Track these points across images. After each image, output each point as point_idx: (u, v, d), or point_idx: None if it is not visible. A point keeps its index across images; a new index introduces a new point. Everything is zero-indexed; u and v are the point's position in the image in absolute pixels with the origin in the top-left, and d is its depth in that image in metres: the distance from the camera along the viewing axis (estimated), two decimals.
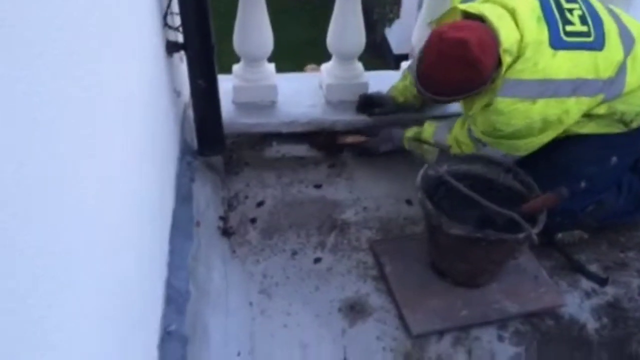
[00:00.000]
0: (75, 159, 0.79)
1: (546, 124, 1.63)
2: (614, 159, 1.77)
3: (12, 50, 0.57)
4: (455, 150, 1.84)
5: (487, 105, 1.64)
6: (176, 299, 1.40)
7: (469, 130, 1.78)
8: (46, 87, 0.66)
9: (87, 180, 0.84)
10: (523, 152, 1.73)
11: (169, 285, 1.41)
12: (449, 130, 1.87)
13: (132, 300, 1.09)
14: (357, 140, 2.12)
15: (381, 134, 2.07)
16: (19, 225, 0.59)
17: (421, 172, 1.68)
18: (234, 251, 1.83)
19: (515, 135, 1.67)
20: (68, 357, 0.73)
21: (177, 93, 1.79)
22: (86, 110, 0.85)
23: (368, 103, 2.14)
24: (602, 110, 1.67)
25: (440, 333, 1.63)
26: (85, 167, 0.84)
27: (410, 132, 1.99)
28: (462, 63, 1.54)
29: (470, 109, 1.70)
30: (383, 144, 2.06)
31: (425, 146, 1.92)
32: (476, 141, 1.77)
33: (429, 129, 1.92)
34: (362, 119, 2.13)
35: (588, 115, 1.68)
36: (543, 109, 1.60)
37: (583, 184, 1.76)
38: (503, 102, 1.60)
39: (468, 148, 1.80)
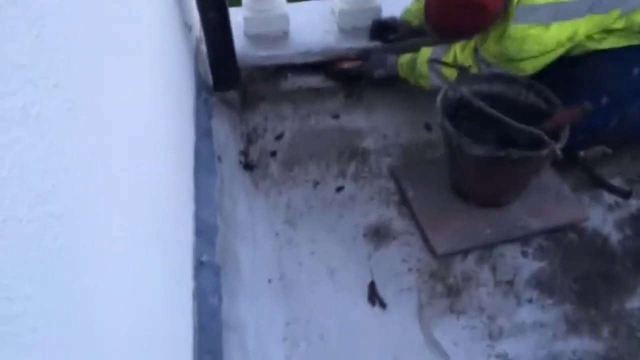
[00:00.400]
0: (99, 98, 0.79)
1: (558, 45, 1.61)
2: (636, 71, 1.73)
3: None
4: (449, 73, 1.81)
5: (502, 34, 1.61)
6: (206, 231, 1.44)
7: (475, 51, 1.75)
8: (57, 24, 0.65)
9: (115, 116, 0.85)
10: (530, 72, 1.70)
11: (197, 218, 1.44)
12: (448, 49, 1.84)
13: (170, 232, 1.12)
14: (353, 65, 2.08)
15: (372, 58, 2.03)
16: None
17: (440, 94, 1.66)
18: (256, 184, 1.85)
19: (526, 59, 1.64)
20: (122, 275, 0.77)
21: (189, 27, 1.77)
22: (102, 47, 0.84)
23: (382, 29, 2.08)
24: (620, 24, 1.62)
25: (465, 252, 1.66)
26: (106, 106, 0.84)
27: (405, 58, 1.95)
28: (466, 9, 1.51)
29: (485, 40, 1.68)
30: (376, 70, 2.02)
31: (419, 72, 1.89)
32: (480, 62, 1.75)
33: (425, 53, 1.88)
34: (376, 45, 2.08)
35: (607, 31, 1.64)
36: (557, 32, 1.56)
37: (605, 99, 1.72)
38: (516, 29, 1.57)
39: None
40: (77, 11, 0.70)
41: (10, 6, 0.51)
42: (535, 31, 1.56)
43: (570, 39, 1.60)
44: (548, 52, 1.62)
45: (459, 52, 1.80)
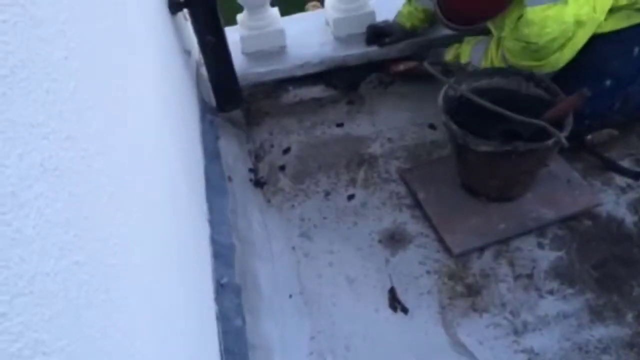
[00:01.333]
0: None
1: (579, 25, 1.59)
2: (636, 50, 1.73)
3: None
4: None
5: (518, 19, 1.61)
6: (223, 253, 1.46)
7: (504, 57, 1.75)
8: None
9: (119, 145, 0.87)
10: (562, 64, 1.68)
11: (214, 241, 1.46)
12: (485, 53, 1.84)
13: (190, 259, 1.14)
14: (409, 65, 2.09)
15: (429, 56, 2.04)
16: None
17: (441, 93, 1.67)
18: (268, 200, 1.86)
19: (552, 48, 1.62)
20: (146, 311, 0.78)
21: (188, 53, 1.79)
22: (108, 91, 0.86)
23: (377, 34, 2.10)
24: (624, 0, 1.63)
25: (481, 249, 1.66)
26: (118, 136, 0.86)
27: (450, 55, 1.94)
28: None
29: (502, 28, 1.67)
30: (434, 67, 2.02)
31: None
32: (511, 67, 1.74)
33: (466, 49, 1.89)
34: (373, 50, 2.10)
35: (609, 10, 1.64)
36: (575, 8, 1.56)
37: (609, 82, 1.73)
38: (533, 12, 1.56)
39: None
40: (84, 62, 0.72)
41: (21, 69, 0.53)
42: (553, 11, 1.55)
43: (590, 18, 1.58)
44: (570, 35, 1.59)
45: (494, 53, 1.79)
